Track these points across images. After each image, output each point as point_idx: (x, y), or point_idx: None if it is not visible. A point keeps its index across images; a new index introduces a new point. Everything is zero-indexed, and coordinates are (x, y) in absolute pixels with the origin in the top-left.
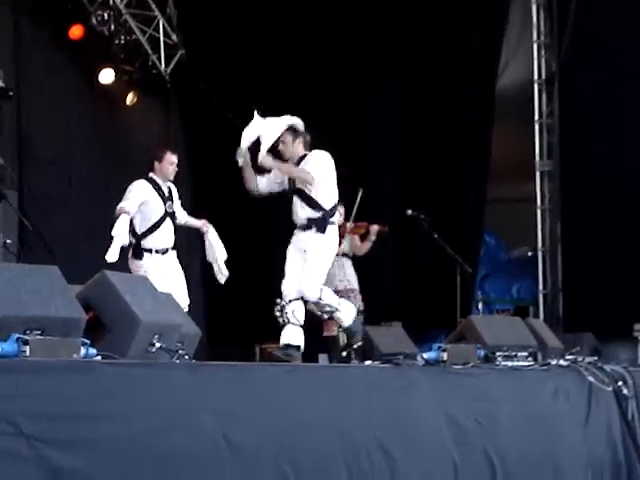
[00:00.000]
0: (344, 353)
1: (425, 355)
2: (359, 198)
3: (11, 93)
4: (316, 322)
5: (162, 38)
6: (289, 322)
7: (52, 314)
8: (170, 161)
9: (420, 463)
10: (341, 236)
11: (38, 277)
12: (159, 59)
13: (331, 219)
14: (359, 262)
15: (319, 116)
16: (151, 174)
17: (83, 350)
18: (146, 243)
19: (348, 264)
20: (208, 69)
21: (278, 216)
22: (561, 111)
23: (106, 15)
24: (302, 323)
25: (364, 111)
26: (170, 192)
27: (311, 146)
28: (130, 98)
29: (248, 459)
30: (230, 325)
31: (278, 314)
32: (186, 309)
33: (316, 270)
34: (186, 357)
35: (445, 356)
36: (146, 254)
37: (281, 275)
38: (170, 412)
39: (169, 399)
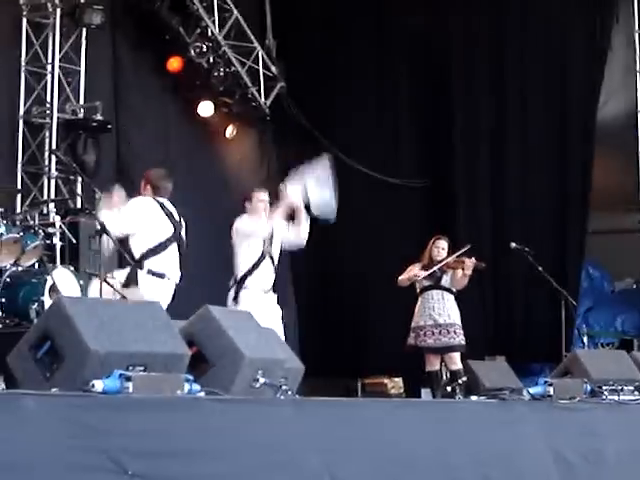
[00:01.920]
0: (449, 388)
1: (531, 390)
2: (463, 251)
3: (110, 126)
4: (418, 357)
5: (261, 70)
6: None
7: (155, 350)
8: (258, 198)
9: None
10: (442, 270)
11: (141, 313)
12: (258, 91)
13: None
14: (461, 297)
15: (418, 149)
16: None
17: (187, 386)
18: (247, 283)
19: (449, 298)
20: (307, 101)
21: (369, 250)
22: None
23: (205, 47)
24: None
25: (463, 147)
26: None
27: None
28: (230, 131)
29: None
30: (326, 358)
31: None
32: None
33: None
34: (289, 392)
35: (551, 391)
36: (245, 292)
37: (374, 308)
38: (274, 449)
39: (273, 435)
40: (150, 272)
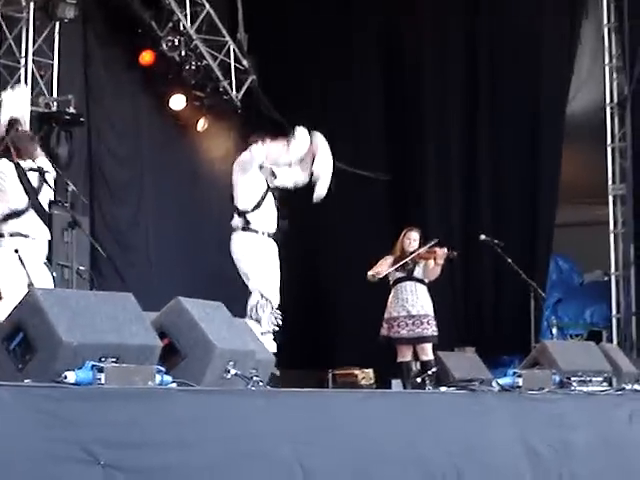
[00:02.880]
0: (419, 379)
1: (500, 381)
2: (430, 244)
3: (82, 119)
4: (389, 347)
5: (233, 63)
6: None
7: (127, 341)
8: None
9: None
10: (414, 262)
11: (113, 304)
12: (230, 85)
13: None
14: (431, 288)
15: (389, 141)
16: None
17: (158, 377)
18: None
19: (422, 289)
20: (279, 94)
21: (340, 243)
22: (633, 135)
23: (176, 41)
24: None
25: (432, 135)
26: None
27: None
28: (201, 124)
29: None
30: (298, 350)
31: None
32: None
33: None
34: (260, 384)
35: (520, 382)
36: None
37: (346, 299)
38: (246, 440)
39: (245, 426)
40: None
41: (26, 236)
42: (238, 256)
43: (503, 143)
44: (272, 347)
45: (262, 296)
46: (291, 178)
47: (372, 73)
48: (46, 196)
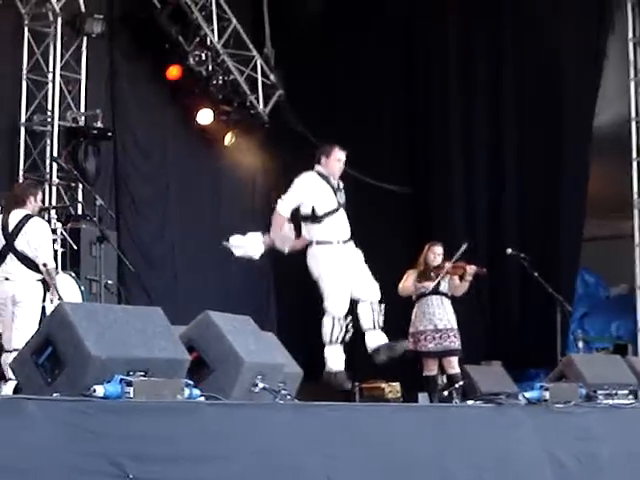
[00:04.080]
0: (445, 392)
1: (527, 394)
2: (462, 250)
3: (110, 134)
4: (415, 361)
5: (260, 78)
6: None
7: (156, 355)
8: (336, 157)
9: None
10: (439, 276)
11: (141, 318)
12: (257, 99)
13: None
14: (458, 301)
15: (414, 156)
16: (318, 168)
17: (187, 391)
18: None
19: (447, 303)
20: (306, 109)
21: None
22: None
23: (204, 55)
24: None
25: (458, 150)
26: (339, 185)
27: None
28: (229, 139)
29: None
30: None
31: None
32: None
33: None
34: (288, 397)
35: (547, 395)
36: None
37: None
38: (274, 453)
39: (273, 440)
40: None
41: None
42: (312, 271)
43: (529, 157)
44: (341, 360)
45: (333, 319)
46: None
47: (398, 88)
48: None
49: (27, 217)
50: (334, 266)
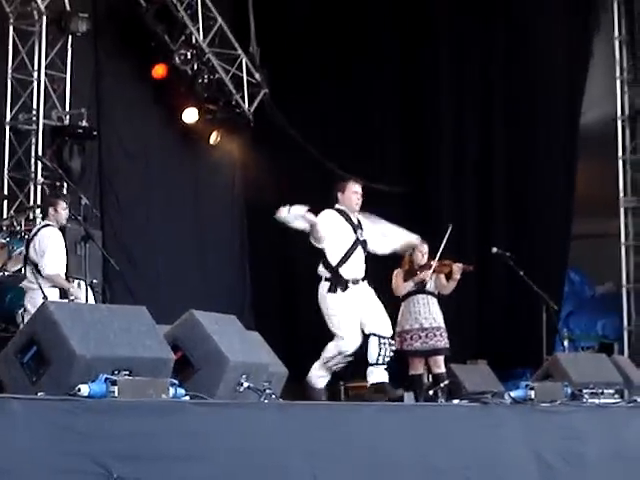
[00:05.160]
0: (431, 392)
1: (512, 393)
2: (448, 234)
3: (95, 133)
4: (401, 360)
5: (245, 77)
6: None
7: (140, 354)
8: (352, 190)
9: None
10: (425, 274)
11: (126, 317)
12: (242, 98)
13: None
14: (443, 300)
15: (403, 155)
16: (337, 205)
17: (172, 390)
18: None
19: (433, 302)
20: (291, 108)
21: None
22: None
23: (189, 54)
24: None
25: (447, 149)
26: (359, 221)
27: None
28: (214, 138)
29: None
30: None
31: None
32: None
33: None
34: (273, 396)
35: (532, 394)
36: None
37: None
38: (259, 452)
39: (258, 439)
40: None
41: None
42: (321, 307)
43: (517, 157)
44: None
45: (339, 353)
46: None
47: (388, 87)
48: None
49: (42, 227)
50: (344, 309)
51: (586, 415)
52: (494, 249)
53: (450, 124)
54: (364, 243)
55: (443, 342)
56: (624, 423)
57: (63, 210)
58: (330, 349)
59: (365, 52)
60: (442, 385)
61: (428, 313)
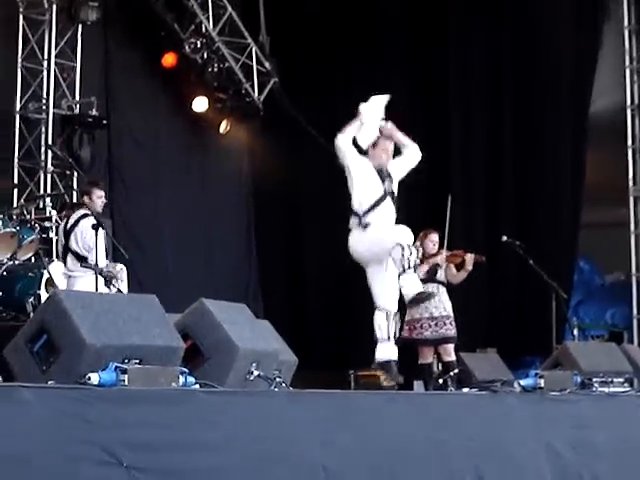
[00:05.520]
0: (441, 380)
1: (522, 382)
2: (449, 205)
3: (105, 122)
4: (411, 349)
5: (255, 66)
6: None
7: (151, 343)
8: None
9: None
10: (436, 264)
11: (136, 306)
12: (252, 87)
13: None
14: (453, 289)
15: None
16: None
17: (181, 379)
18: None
19: (443, 291)
20: (301, 96)
21: None
22: None
23: (199, 43)
24: None
25: (456, 137)
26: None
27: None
28: (224, 126)
29: None
30: (318, 350)
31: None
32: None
33: None
34: (283, 385)
35: (542, 383)
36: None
37: (368, 303)
38: (269, 441)
39: (268, 427)
40: None
41: None
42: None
43: (527, 145)
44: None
45: (387, 315)
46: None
47: (396, 75)
48: None
49: (81, 217)
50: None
51: (595, 404)
52: (504, 237)
53: (460, 113)
54: (393, 195)
55: (453, 331)
56: (634, 412)
57: (98, 198)
58: (378, 319)
59: (374, 43)
60: (452, 373)
61: (438, 302)
